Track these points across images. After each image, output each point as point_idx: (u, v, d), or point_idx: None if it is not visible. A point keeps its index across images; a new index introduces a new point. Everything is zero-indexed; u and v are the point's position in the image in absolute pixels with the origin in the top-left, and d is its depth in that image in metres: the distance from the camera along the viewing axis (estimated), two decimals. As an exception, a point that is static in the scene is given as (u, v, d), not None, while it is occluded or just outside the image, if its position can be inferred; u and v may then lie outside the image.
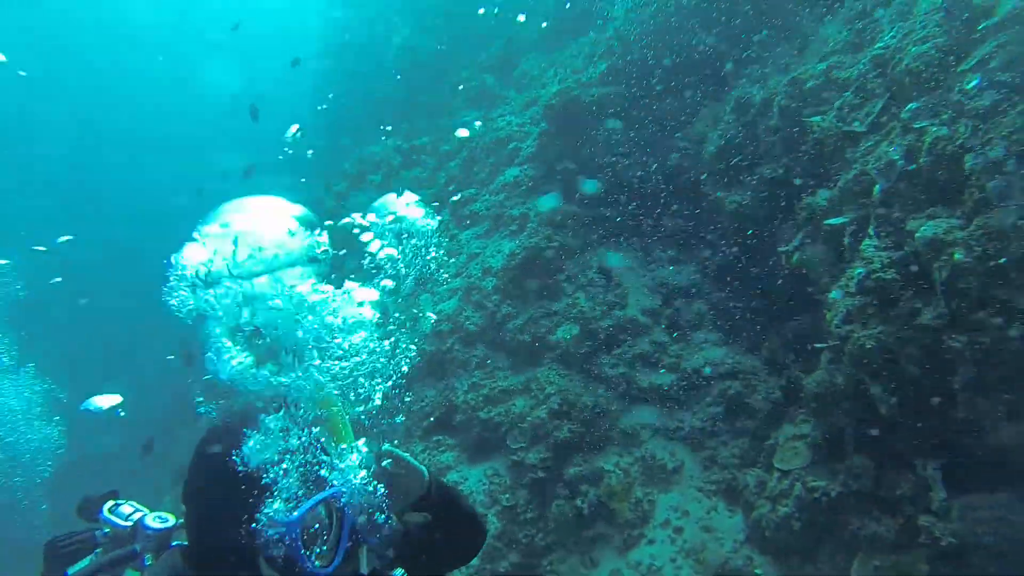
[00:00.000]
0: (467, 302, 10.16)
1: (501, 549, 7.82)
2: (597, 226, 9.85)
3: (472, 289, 10.12)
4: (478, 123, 13.13)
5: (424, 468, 2.15)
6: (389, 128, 15.62)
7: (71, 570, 2.12)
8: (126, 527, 2.15)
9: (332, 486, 1.80)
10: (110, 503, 2.25)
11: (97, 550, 2.19)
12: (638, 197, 9.70)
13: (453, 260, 10.80)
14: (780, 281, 6.85)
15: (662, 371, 8.25)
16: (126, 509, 2.22)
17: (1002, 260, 4.09)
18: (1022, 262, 3.98)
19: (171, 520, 2.10)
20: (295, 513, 1.69)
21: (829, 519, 5.73)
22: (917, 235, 4.48)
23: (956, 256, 4.17)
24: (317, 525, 1.77)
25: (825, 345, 5.32)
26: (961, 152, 4.35)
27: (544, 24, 13.82)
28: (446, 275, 11.02)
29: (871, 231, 5.13)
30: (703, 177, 8.57)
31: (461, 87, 15.34)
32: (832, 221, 5.55)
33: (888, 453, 5.31)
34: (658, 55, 9.69)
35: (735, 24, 9.09)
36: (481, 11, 13.89)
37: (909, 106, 4.95)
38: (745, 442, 7.41)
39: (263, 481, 1.70)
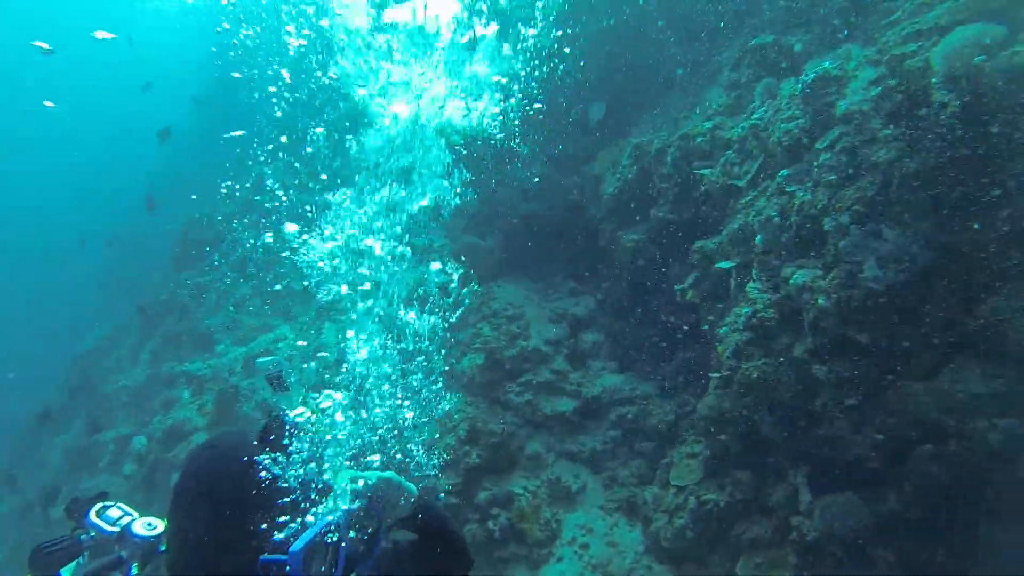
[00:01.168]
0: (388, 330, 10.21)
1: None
2: (499, 258, 10.32)
3: (384, 319, 10.20)
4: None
5: (414, 487, 2.12)
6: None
7: None
8: (112, 532, 2.09)
9: (328, 513, 1.79)
10: (98, 506, 2.17)
11: (84, 555, 2.11)
12: (541, 232, 10.29)
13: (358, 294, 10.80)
14: (672, 317, 7.63)
15: (564, 398, 8.79)
16: (114, 513, 2.15)
17: (852, 301, 4.98)
18: (864, 307, 4.88)
19: (160, 527, 2.04)
20: (298, 543, 1.67)
21: (719, 527, 6.46)
22: (790, 282, 5.32)
23: (819, 301, 5.02)
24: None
25: (717, 374, 6.07)
26: (821, 215, 5.25)
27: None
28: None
29: (754, 275, 5.97)
30: (601, 216, 9.31)
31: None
32: (721, 265, 6.36)
33: (766, 466, 6.13)
34: (559, 104, 10.41)
35: (625, 73, 10.04)
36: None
37: (781, 172, 5.87)
38: (642, 462, 8.08)
39: (278, 503, 1.68)
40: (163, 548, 1.99)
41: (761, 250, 5.87)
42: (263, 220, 14.69)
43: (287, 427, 2.00)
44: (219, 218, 15.85)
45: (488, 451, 8.51)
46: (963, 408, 4.75)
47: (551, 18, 9.30)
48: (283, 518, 1.72)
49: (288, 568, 1.66)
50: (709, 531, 6.52)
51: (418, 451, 2.30)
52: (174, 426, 11.85)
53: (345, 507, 1.89)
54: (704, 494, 6.57)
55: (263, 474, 1.73)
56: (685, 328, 7.76)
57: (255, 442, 1.84)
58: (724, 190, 7.02)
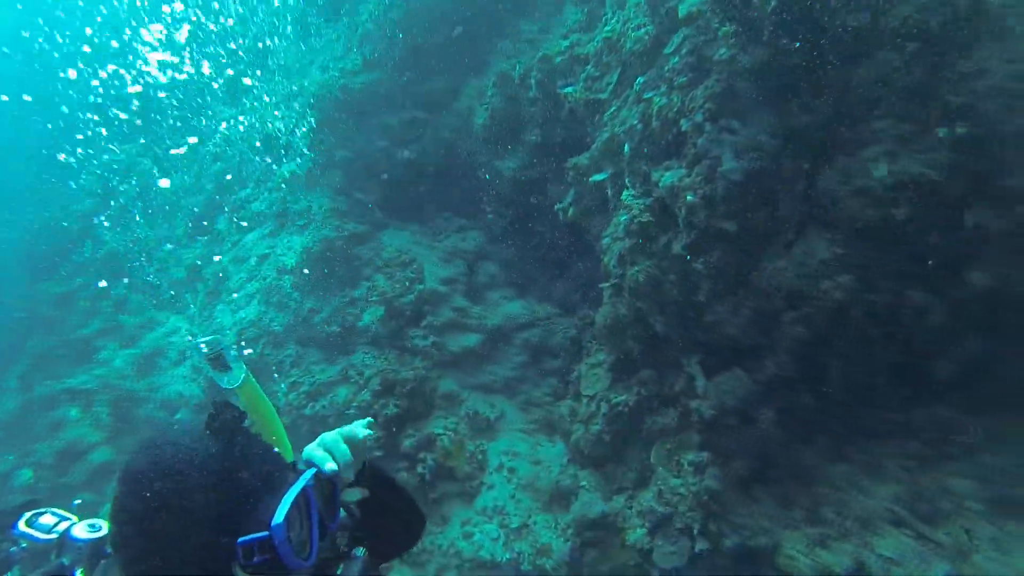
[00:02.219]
0: (268, 304, 9.79)
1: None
2: (383, 209, 10.09)
3: (271, 291, 9.77)
4: (242, 119, 12.34)
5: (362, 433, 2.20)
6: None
7: None
8: (49, 540, 1.96)
9: (300, 476, 1.73)
10: (27, 515, 2.03)
11: (14, 569, 1.98)
12: (420, 175, 10.11)
13: (243, 265, 10.26)
14: (559, 236, 7.83)
15: (469, 334, 8.92)
16: (48, 520, 2.01)
17: (717, 193, 5.33)
18: (728, 197, 5.25)
19: (104, 527, 1.93)
20: (278, 515, 1.63)
21: (631, 424, 6.92)
22: (660, 184, 5.59)
23: (688, 198, 5.32)
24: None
25: (607, 284, 6.36)
26: (678, 116, 5.50)
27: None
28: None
29: (627, 183, 6.21)
30: (476, 148, 9.25)
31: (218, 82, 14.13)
32: (595, 178, 6.55)
33: (665, 360, 6.59)
34: (414, 37, 10.04)
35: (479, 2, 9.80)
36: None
37: (638, 79, 6.04)
38: (554, 380, 8.44)
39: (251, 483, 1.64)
40: (109, 550, 1.87)
41: (630, 158, 6.09)
42: (129, 208, 13.39)
43: (235, 411, 1.93)
44: (74, 216, 14.24)
45: (404, 399, 8.56)
46: (814, 273, 5.29)
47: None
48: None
49: (276, 542, 1.61)
50: (622, 430, 6.98)
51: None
52: (65, 448, 10.94)
53: (312, 470, 1.81)
54: (613, 397, 6.99)
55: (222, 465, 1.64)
56: (572, 244, 8.01)
57: (205, 432, 1.71)
58: (589, 105, 7.15)
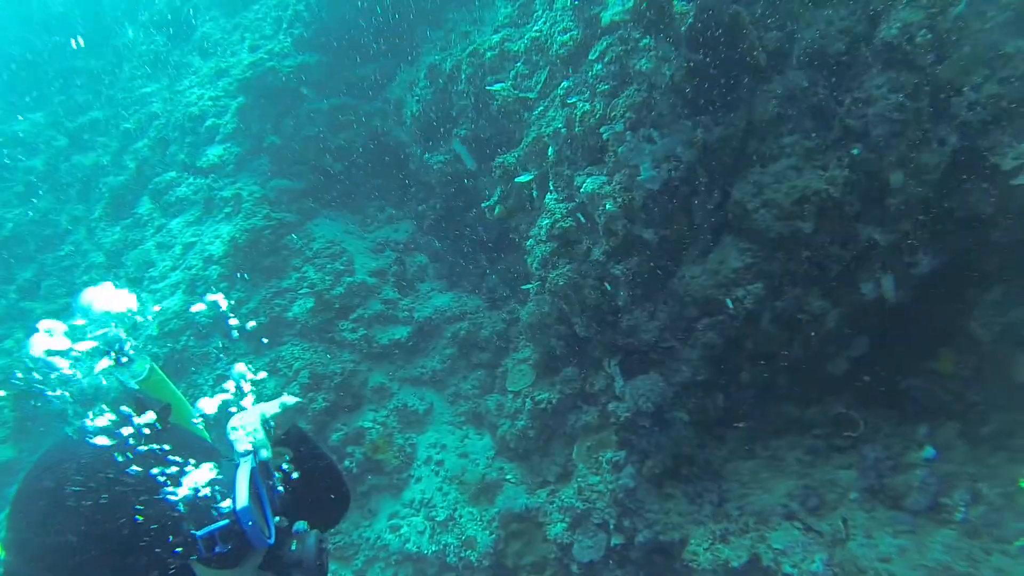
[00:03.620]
0: (193, 295, 9.46)
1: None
2: (312, 198, 9.87)
3: (196, 281, 9.44)
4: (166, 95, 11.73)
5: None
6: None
7: None
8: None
9: (248, 456, 1.78)
10: None
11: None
12: (351, 163, 9.91)
13: (167, 253, 9.85)
14: (488, 231, 7.87)
15: (398, 326, 8.91)
16: None
17: (635, 202, 5.47)
18: (645, 207, 5.40)
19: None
20: (243, 500, 1.66)
21: (554, 421, 7.11)
22: (581, 190, 5.69)
23: (607, 206, 5.44)
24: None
25: (530, 285, 6.46)
26: (599, 124, 5.59)
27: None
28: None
29: (551, 186, 6.28)
30: (407, 139, 9.13)
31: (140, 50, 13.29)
32: (520, 179, 6.60)
33: (587, 360, 6.78)
34: (347, 20, 9.75)
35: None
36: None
37: (563, 83, 6.08)
38: (482, 373, 8.54)
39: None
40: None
41: (554, 161, 6.16)
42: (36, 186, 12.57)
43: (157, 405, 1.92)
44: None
45: (333, 393, 8.51)
46: (728, 282, 5.53)
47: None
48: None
49: (244, 525, 1.65)
50: (547, 427, 7.17)
51: None
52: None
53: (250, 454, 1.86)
54: (537, 394, 7.15)
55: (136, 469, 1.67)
56: (501, 239, 8.06)
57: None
58: (518, 103, 7.15)
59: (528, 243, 6.41)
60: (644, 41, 5.36)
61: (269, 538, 1.76)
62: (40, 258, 12.05)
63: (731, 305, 5.42)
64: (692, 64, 5.19)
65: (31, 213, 12.32)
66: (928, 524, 5.16)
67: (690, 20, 5.16)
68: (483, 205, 7.40)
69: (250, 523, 1.67)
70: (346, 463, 8.10)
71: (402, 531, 7.72)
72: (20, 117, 13.37)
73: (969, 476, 5.24)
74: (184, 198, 10.61)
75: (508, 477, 7.61)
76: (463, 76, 7.94)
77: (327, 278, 9.18)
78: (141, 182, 11.23)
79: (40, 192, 12.66)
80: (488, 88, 7.23)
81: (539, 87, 6.88)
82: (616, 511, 6.13)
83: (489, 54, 7.65)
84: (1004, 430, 5.36)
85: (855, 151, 5.28)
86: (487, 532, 7.26)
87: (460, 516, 7.58)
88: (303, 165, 10.11)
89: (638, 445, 5.97)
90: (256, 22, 11.92)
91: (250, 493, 1.73)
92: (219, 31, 12.79)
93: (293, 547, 1.92)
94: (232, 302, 9.28)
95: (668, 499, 6.00)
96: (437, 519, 7.64)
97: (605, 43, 5.63)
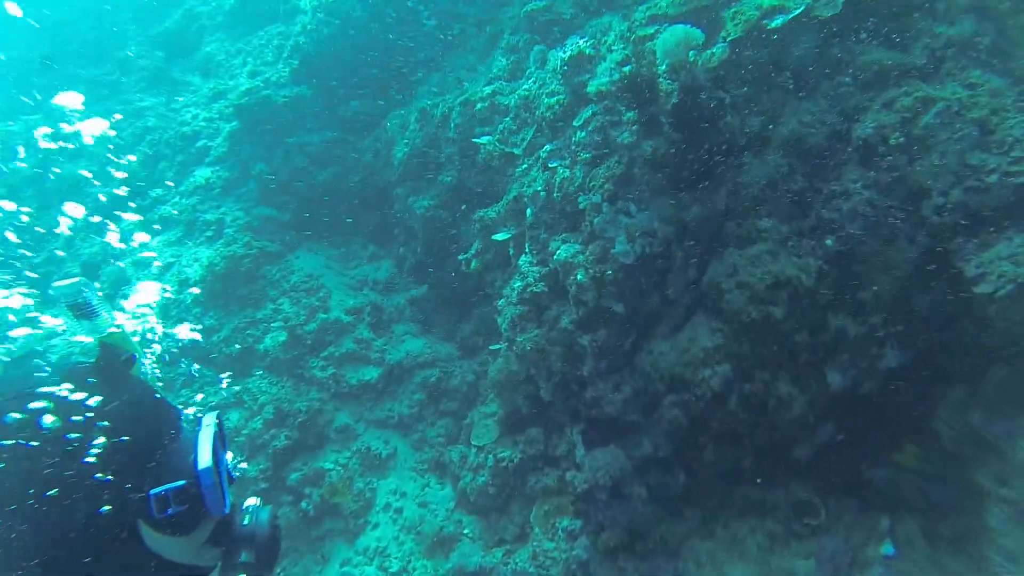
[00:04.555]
0: (166, 318, 9.33)
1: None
2: (296, 229, 9.83)
3: (170, 303, 9.32)
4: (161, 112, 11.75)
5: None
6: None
7: None
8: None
9: (206, 420, 1.73)
10: None
11: None
12: (337, 198, 9.91)
13: (143, 273, 9.74)
14: (460, 277, 7.84)
15: (369, 367, 8.80)
16: None
17: (608, 274, 5.46)
18: (617, 280, 5.39)
19: None
20: (205, 460, 1.60)
21: (515, 480, 7.00)
22: (555, 257, 5.67)
23: (579, 277, 5.43)
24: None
25: (498, 346, 6.40)
26: (578, 192, 5.60)
27: (230, 1, 12.74)
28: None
29: (527, 248, 6.27)
30: (394, 179, 9.14)
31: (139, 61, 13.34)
32: (497, 236, 6.59)
33: (552, 422, 6.70)
34: (345, 57, 9.84)
35: (415, 31, 9.70)
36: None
37: (545, 147, 6.12)
38: (449, 421, 8.42)
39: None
40: None
41: (531, 223, 6.16)
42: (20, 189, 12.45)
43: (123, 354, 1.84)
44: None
45: (296, 431, 8.35)
46: (696, 361, 5.50)
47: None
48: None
49: (203, 487, 1.59)
50: (507, 485, 7.05)
51: None
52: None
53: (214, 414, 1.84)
54: (500, 452, 7.04)
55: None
56: (478, 289, 8.02)
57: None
58: (503, 157, 7.18)
59: (500, 302, 6.37)
60: (628, 114, 5.40)
61: (225, 507, 1.68)
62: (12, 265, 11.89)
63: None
64: (673, 142, 5.23)
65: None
66: (881, 625, 5.07)
67: (674, 100, 5.21)
68: (460, 258, 7.38)
69: (210, 485, 1.60)
70: (302, 504, 7.92)
71: (353, 581, 7.52)
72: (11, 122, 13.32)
73: (925, 579, 5.18)
74: (167, 217, 10.54)
75: (466, 532, 7.46)
76: (452, 124, 7.98)
77: (301, 313, 9.09)
78: (126, 195, 11.14)
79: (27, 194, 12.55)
80: (474, 140, 7.27)
81: (524, 144, 6.92)
82: (569, 582, 6.00)
83: (480, 105, 7.70)
84: (963, 533, 5.30)
85: (829, 243, 5.32)
86: (439, 589, 7.09)
87: (414, 569, 7.40)
88: (290, 196, 10.09)
89: (594, 517, 5.86)
90: (259, 48, 12.02)
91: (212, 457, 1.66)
92: (222, 53, 12.88)
93: (245, 521, 1.85)
94: (206, 328, 9.17)
95: (621, 574, 5.88)
96: (390, 570, 7.45)
97: (590, 111, 5.68)
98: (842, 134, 5.32)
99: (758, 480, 5.98)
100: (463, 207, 7.99)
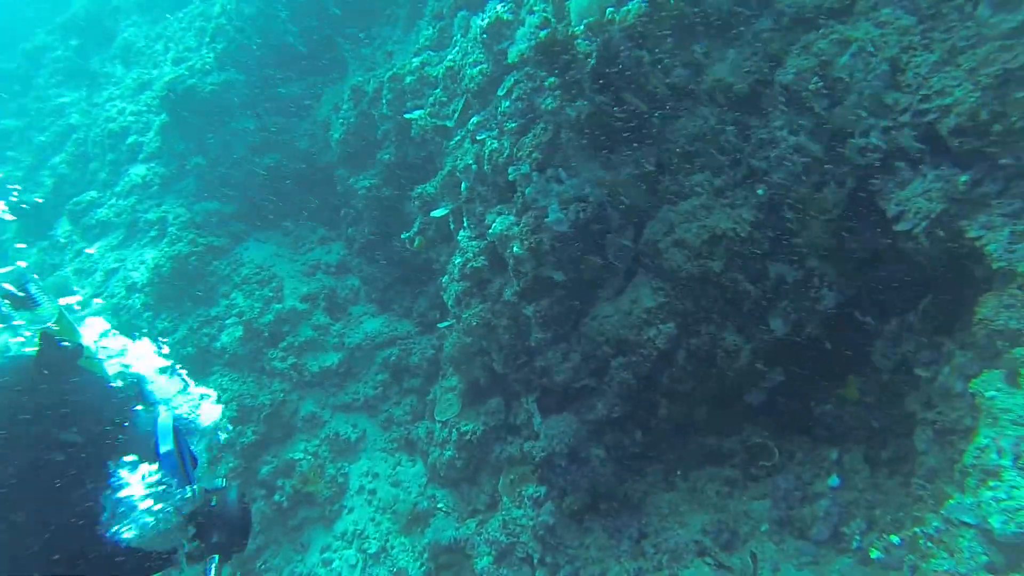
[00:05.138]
0: (115, 325, 9.13)
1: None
2: (242, 220, 9.60)
3: (119, 310, 9.11)
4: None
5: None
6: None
7: None
8: None
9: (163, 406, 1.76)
10: None
11: None
12: (280, 183, 9.67)
13: (88, 280, 9.48)
14: (410, 253, 7.76)
15: (329, 352, 8.76)
16: None
17: (543, 244, 5.44)
18: (554, 248, 5.37)
19: None
20: (166, 443, 1.64)
21: (480, 452, 7.09)
22: (490, 231, 5.63)
23: (515, 249, 5.40)
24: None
25: (446, 323, 6.39)
26: (507, 163, 5.53)
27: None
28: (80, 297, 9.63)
29: (464, 222, 6.20)
30: (334, 161, 8.94)
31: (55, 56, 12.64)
32: (435, 213, 6.51)
33: (510, 393, 6.76)
34: (272, 38, 9.46)
35: (342, 4, 9.34)
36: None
37: (472, 119, 5.99)
38: (414, 398, 8.46)
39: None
40: None
41: (466, 198, 6.08)
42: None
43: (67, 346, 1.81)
44: None
45: (262, 425, 8.34)
46: (640, 322, 5.56)
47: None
48: None
49: (171, 469, 1.65)
50: (473, 457, 7.14)
51: None
52: None
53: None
54: (463, 425, 7.11)
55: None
56: (428, 263, 7.95)
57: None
58: (437, 131, 7.04)
59: (443, 279, 6.33)
60: (549, 80, 5.29)
61: (186, 488, 1.73)
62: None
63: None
64: (596, 104, 5.15)
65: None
66: (829, 553, 5.31)
67: (593, 61, 5.12)
68: (403, 236, 7.28)
69: (173, 467, 1.64)
70: (275, 497, 7.97)
71: (334, 565, 7.64)
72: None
73: (867, 503, 5.40)
74: (106, 220, 10.22)
75: (440, 506, 7.58)
76: (384, 100, 7.77)
77: (256, 305, 8.97)
78: (59, 201, 10.75)
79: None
80: (405, 116, 7.09)
81: (456, 115, 6.77)
82: (539, 546, 6.15)
83: (409, 78, 7.50)
84: (899, 455, 5.53)
85: (760, 191, 5.34)
86: (418, 564, 7.24)
87: (392, 547, 7.54)
88: (231, 186, 9.82)
89: (556, 482, 5.99)
90: (180, 32, 11.50)
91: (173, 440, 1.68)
92: (142, 39, 12.30)
93: (212, 503, 1.88)
94: (158, 331, 9.00)
95: (588, 534, 6.04)
96: (369, 551, 7.58)
97: (512, 79, 5.55)
98: (766, 81, 5.28)
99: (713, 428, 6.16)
100: (406, 183, 7.85)
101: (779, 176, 5.21)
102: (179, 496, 1.76)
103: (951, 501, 3.72)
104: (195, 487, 1.78)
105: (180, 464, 1.74)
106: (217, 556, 1.92)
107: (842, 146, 4.99)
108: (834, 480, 5.62)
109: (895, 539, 3.63)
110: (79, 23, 12.94)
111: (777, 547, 5.51)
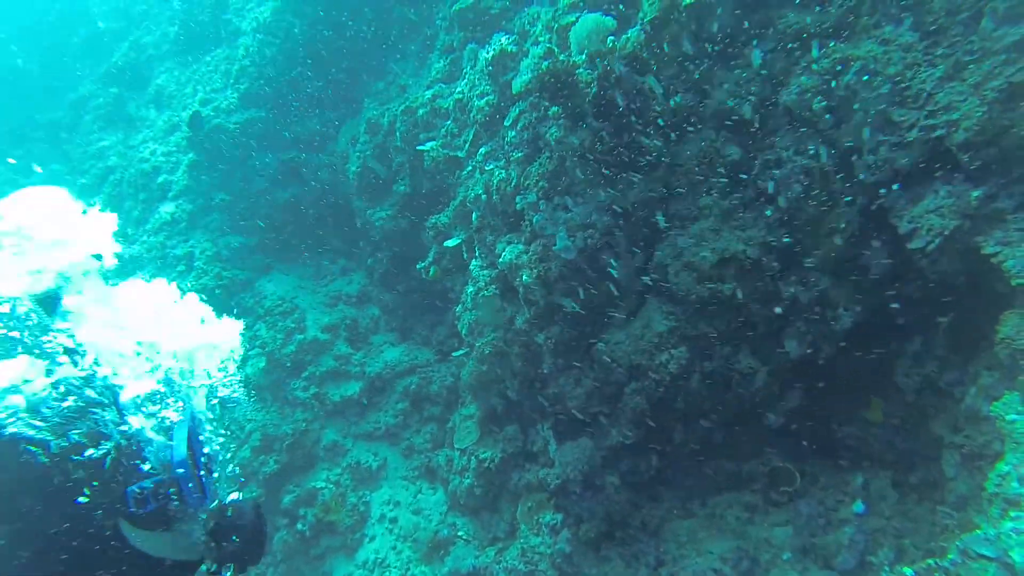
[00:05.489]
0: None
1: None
2: (265, 253, 9.86)
3: (146, 343, 9.37)
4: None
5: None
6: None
7: None
8: None
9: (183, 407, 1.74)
10: None
11: None
12: (301, 216, 9.92)
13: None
14: (428, 281, 7.84)
15: (351, 381, 8.86)
16: None
17: (552, 271, 5.46)
18: (562, 276, 5.39)
19: None
20: (178, 448, 1.61)
21: (499, 479, 7.06)
22: (500, 260, 5.67)
23: (524, 278, 5.43)
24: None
25: (460, 352, 6.43)
26: (515, 193, 5.58)
27: (174, 29, 12.65)
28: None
29: (476, 251, 6.27)
30: (352, 193, 9.14)
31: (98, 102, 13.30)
32: (449, 243, 6.59)
33: (527, 419, 6.74)
34: (292, 75, 9.79)
35: (357, 41, 9.63)
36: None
37: (481, 149, 6.08)
38: (434, 426, 8.49)
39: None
40: None
41: (477, 227, 6.15)
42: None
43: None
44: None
45: (285, 454, 8.44)
46: (652, 348, 5.51)
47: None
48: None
49: (181, 479, 1.60)
50: (492, 484, 7.10)
51: None
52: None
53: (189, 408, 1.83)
54: (481, 452, 7.10)
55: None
56: (446, 292, 8.03)
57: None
58: (449, 161, 7.16)
59: (457, 308, 6.38)
60: (553, 109, 5.36)
61: (206, 499, 1.70)
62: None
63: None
64: (597, 132, 5.19)
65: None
66: (858, 584, 5.13)
67: (594, 89, 5.17)
68: (418, 267, 7.38)
69: (187, 476, 1.62)
70: (298, 526, 8.04)
71: (355, 595, 7.64)
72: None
73: (895, 531, 5.22)
74: (137, 256, 10.56)
75: (460, 533, 7.54)
76: (398, 133, 7.95)
77: (278, 336, 9.14)
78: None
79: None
80: (418, 148, 7.24)
81: (467, 146, 6.88)
82: (557, 574, 6.07)
83: (421, 111, 7.66)
84: (928, 480, 5.34)
85: (768, 213, 5.29)
86: (438, 594, 7.20)
87: (413, 576, 7.52)
88: (254, 220, 10.09)
89: (572, 510, 5.93)
90: (207, 75, 11.94)
91: (187, 449, 1.66)
92: (173, 83, 12.81)
93: (229, 513, 1.86)
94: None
95: (605, 562, 5.95)
96: (390, 581, 7.57)
97: (517, 110, 5.64)
98: (770, 101, 5.26)
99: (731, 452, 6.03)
100: (420, 214, 7.98)
101: (788, 196, 5.16)
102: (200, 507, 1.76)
103: (978, 532, 3.57)
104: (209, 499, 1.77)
105: (194, 473, 1.72)
106: (232, 566, 1.91)
107: (850, 164, 4.94)
108: (859, 506, 5.45)
109: (909, 572, 3.47)
110: (118, 71, 13.59)
111: (801, 576, 5.35)
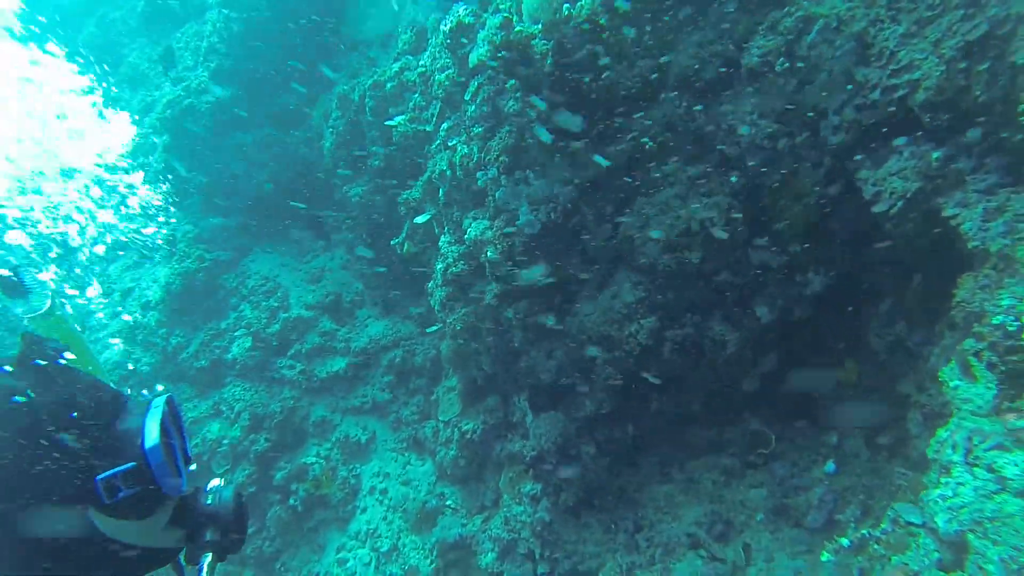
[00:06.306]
0: (133, 344, 9.48)
1: (233, 571, 8.12)
2: (246, 232, 9.81)
3: (136, 328, 9.43)
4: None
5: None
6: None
7: None
8: None
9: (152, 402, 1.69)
10: None
11: None
12: (280, 194, 9.83)
13: (106, 301, 9.84)
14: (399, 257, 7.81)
15: (336, 357, 8.92)
16: None
17: (517, 246, 5.42)
18: (528, 250, 5.35)
19: None
20: (152, 438, 1.57)
21: (482, 450, 7.16)
22: (466, 236, 5.63)
23: (489, 253, 5.39)
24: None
25: (433, 328, 6.44)
26: (476, 168, 5.50)
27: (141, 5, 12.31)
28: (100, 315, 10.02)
29: (445, 228, 6.22)
30: (328, 169, 9.03)
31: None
32: (419, 219, 6.53)
33: (505, 392, 6.80)
34: (261, 50, 9.56)
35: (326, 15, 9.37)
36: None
37: (443, 124, 5.97)
38: (421, 398, 8.57)
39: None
40: None
41: (444, 203, 6.08)
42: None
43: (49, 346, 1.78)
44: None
45: (275, 432, 8.57)
46: (621, 318, 5.50)
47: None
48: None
49: (153, 465, 1.56)
50: (476, 455, 7.22)
51: None
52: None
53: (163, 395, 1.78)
54: (464, 424, 7.18)
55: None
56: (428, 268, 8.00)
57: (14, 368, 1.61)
58: (418, 135, 7.04)
59: (429, 285, 6.37)
60: (510, 82, 5.23)
61: (182, 485, 1.67)
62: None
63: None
64: (556, 103, 5.08)
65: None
66: (823, 542, 5.22)
67: (550, 60, 5.04)
68: (392, 243, 7.34)
69: (159, 462, 1.56)
70: (290, 501, 8.21)
71: (349, 564, 7.85)
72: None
73: (865, 489, 5.28)
74: (120, 241, 10.54)
75: (448, 503, 7.70)
76: (368, 107, 7.80)
77: (263, 315, 9.17)
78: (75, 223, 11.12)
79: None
80: (386, 123, 7.11)
81: (434, 120, 6.76)
82: (539, 542, 6.21)
83: (389, 84, 7.50)
84: (899, 438, 5.38)
85: (733, 179, 5.20)
86: (428, 561, 7.39)
87: (403, 545, 7.70)
88: (234, 200, 10.01)
89: (550, 479, 6.01)
90: (178, 52, 11.67)
91: (160, 434, 1.62)
92: (145, 61, 12.53)
93: (208, 500, 1.85)
94: (173, 347, 9.30)
95: (585, 528, 6.07)
96: (382, 550, 7.76)
97: (476, 83, 5.50)
98: (734, 63, 5.12)
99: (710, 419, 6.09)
100: (396, 188, 7.88)
101: (753, 161, 5.06)
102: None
103: (909, 499, 3.60)
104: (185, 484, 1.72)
105: (169, 459, 1.64)
106: (210, 554, 1.84)
107: (815, 126, 4.83)
108: (830, 466, 5.51)
109: (845, 542, 3.52)
110: (89, 47, 13.28)
111: (773, 536, 5.44)
